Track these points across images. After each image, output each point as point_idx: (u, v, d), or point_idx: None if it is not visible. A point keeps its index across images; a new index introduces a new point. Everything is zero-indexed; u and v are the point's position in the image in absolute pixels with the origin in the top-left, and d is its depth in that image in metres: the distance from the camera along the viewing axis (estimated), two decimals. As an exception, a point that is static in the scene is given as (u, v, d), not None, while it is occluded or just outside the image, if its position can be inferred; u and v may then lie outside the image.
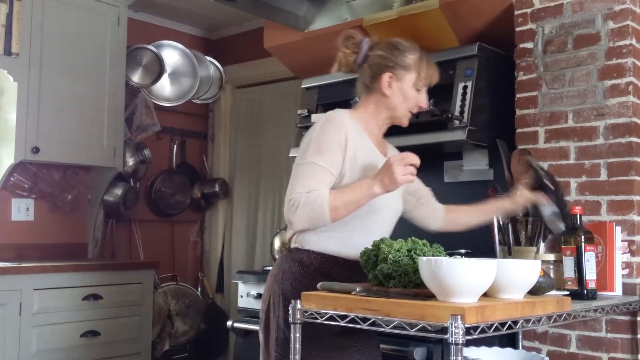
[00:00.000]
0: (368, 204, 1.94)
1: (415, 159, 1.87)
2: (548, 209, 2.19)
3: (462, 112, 2.54)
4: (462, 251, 2.44)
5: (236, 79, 4.82)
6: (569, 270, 2.12)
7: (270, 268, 2.30)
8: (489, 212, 2.25)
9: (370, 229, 2.01)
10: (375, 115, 2.09)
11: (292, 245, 2.07)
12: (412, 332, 1.56)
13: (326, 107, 3.09)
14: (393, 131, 2.73)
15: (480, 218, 2.26)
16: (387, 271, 1.83)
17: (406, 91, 2.03)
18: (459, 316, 1.44)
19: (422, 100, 2.07)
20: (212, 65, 4.67)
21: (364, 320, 1.66)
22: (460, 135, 2.53)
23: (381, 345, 2.21)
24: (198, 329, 4.47)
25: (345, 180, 1.97)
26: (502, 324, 1.61)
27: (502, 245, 2.26)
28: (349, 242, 2.00)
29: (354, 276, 1.97)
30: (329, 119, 1.99)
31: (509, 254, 2.24)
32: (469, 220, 2.27)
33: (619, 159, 2.31)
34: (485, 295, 1.67)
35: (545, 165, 2.49)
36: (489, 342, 2.12)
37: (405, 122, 2.11)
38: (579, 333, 2.33)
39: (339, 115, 2.01)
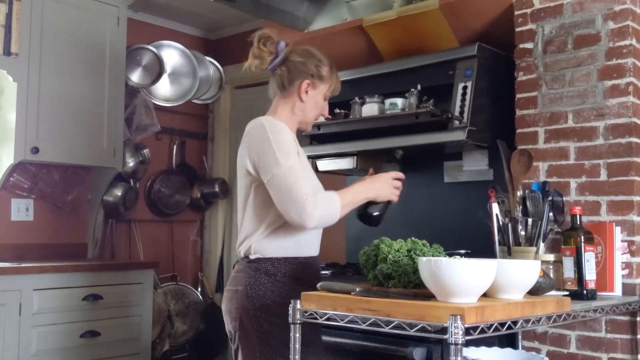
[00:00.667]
0: None
1: (402, 177, 2.15)
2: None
3: (462, 113, 2.53)
4: (462, 251, 2.44)
5: (236, 79, 4.82)
6: (568, 271, 2.13)
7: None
8: None
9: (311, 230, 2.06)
10: (291, 118, 2.17)
11: (252, 256, 2.04)
12: (411, 332, 1.56)
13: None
14: (393, 132, 2.74)
15: None
16: (387, 271, 1.84)
17: (318, 99, 2.16)
18: (459, 316, 1.44)
19: (326, 109, 2.22)
20: (211, 66, 4.67)
21: (364, 320, 1.66)
22: (460, 136, 2.53)
23: (381, 346, 2.21)
24: (198, 329, 4.48)
25: None
26: (502, 324, 1.61)
27: (501, 246, 2.26)
28: (303, 240, 2.07)
29: (315, 272, 2.10)
30: (273, 128, 2.03)
31: (508, 254, 2.24)
32: None
33: (619, 159, 2.31)
34: (485, 295, 1.67)
35: (545, 165, 2.49)
36: (488, 343, 2.12)
37: (309, 129, 2.25)
38: (579, 333, 2.33)
39: (277, 122, 2.07)
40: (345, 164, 3.02)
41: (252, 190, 2.05)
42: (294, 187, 1.93)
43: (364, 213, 2.13)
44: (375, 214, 2.14)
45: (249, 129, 2.10)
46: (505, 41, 2.65)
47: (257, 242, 2.04)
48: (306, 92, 2.13)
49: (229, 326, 2.09)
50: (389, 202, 2.15)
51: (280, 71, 2.15)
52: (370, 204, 2.13)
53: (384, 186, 2.10)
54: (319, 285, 1.87)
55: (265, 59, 2.13)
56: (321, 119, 2.68)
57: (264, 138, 2.01)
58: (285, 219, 1.96)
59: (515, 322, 1.65)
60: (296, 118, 2.17)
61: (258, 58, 2.14)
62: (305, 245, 2.09)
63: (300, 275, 2.06)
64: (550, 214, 2.29)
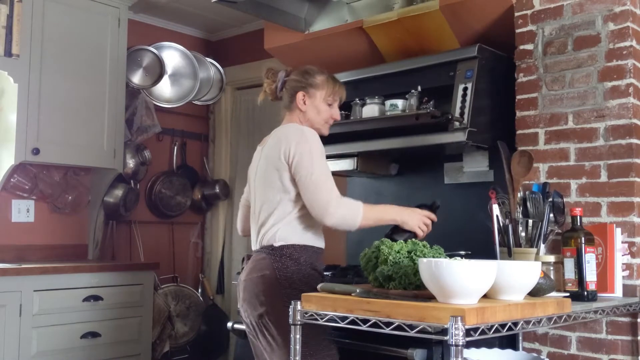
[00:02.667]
0: None
1: (434, 218, 2.35)
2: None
3: (462, 114, 2.54)
4: (462, 252, 2.44)
5: (236, 80, 4.83)
6: (569, 272, 2.13)
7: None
8: None
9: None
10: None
11: (277, 244, 2.22)
12: (412, 333, 1.56)
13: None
14: (394, 133, 2.74)
15: None
16: (388, 273, 1.84)
17: (318, 105, 2.39)
18: (459, 317, 1.44)
19: (335, 113, 2.43)
20: (212, 67, 4.67)
21: (364, 321, 1.66)
22: (460, 137, 2.53)
23: (381, 347, 2.21)
24: (198, 330, 4.47)
25: None
26: (502, 326, 1.61)
27: (502, 247, 2.26)
28: (318, 233, 2.30)
29: (322, 261, 2.31)
30: (307, 132, 2.26)
31: (509, 255, 2.24)
32: None
33: (619, 161, 2.31)
34: (485, 296, 1.67)
35: (545, 166, 2.49)
36: (489, 344, 2.12)
37: (324, 132, 2.43)
38: (579, 334, 2.33)
39: (307, 128, 2.31)
40: (346, 165, 3.02)
41: (283, 184, 2.24)
42: (323, 187, 2.17)
43: (389, 237, 2.24)
44: (397, 240, 2.22)
45: (286, 131, 2.29)
46: (506, 42, 2.65)
47: (282, 231, 2.23)
48: (304, 102, 2.38)
49: (256, 311, 2.21)
50: (415, 235, 2.27)
51: (283, 93, 2.44)
52: (397, 230, 2.29)
53: (414, 216, 2.29)
54: (319, 286, 1.87)
55: (273, 90, 2.48)
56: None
57: (304, 141, 2.22)
58: (310, 213, 2.19)
59: (515, 324, 1.65)
60: (306, 125, 2.36)
61: (267, 92, 2.50)
62: (319, 237, 2.30)
63: (315, 262, 2.27)
64: (551, 215, 2.29)
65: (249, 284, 2.25)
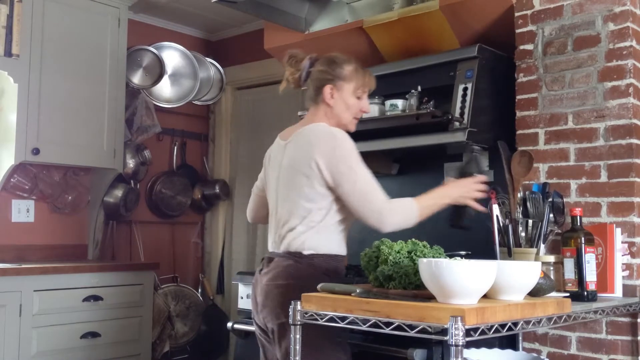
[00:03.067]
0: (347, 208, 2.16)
1: (483, 178, 2.23)
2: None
3: (462, 114, 2.54)
4: (462, 253, 2.44)
5: (237, 80, 4.83)
6: (569, 272, 2.13)
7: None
8: None
9: (349, 229, 2.25)
10: (327, 123, 2.24)
11: (306, 252, 2.14)
12: (412, 333, 1.56)
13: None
14: (394, 133, 2.74)
15: None
16: (388, 272, 1.84)
17: (347, 99, 2.24)
18: (459, 317, 1.44)
19: (365, 106, 2.29)
20: (212, 67, 4.67)
21: (364, 321, 1.66)
22: (460, 137, 2.53)
23: (381, 347, 2.21)
24: (198, 330, 4.47)
25: None
26: (502, 326, 1.61)
27: (502, 247, 2.26)
28: (343, 242, 2.23)
29: (344, 267, 2.26)
30: (340, 134, 2.16)
31: (509, 255, 2.24)
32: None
33: (619, 161, 2.31)
34: (485, 296, 1.67)
35: (545, 166, 2.49)
36: (489, 344, 2.12)
37: (351, 128, 2.30)
38: (579, 335, 2.33)
39: (339, 130, 2.19)
40: (346, 165, 3.01)
41: (314, 193, 2.13)
42: (371, 196, 2.09)
43: (457, 225, 2.27)
44: (464, 224, 2.29)
45: (317, 135, 2.17)
46: (506, 42, 2.65)
47: (311, 240, 2.15)
48: (332, 96, 2.23)
49: (279, 319, 2.12)
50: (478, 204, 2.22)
51: (308, 84, 2.28)
52: (458, 212, 2.26)
53: (465, 189, 2.20)
54: (319, 286, 1.87)
55: (297, 79, 2.31)
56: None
57: (338, 146, 2.12)
58: (365, 223, 2.11)
59: (515, 324, 1.65)
60: (331, 122, 2.24)
61: (290, 80, 2.32)
62: (343, 243, 2.23)
63: (340, 270, 2.22)
64: (551, 215, 2.29)
65: (272, 290, 2.16)
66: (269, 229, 2.32)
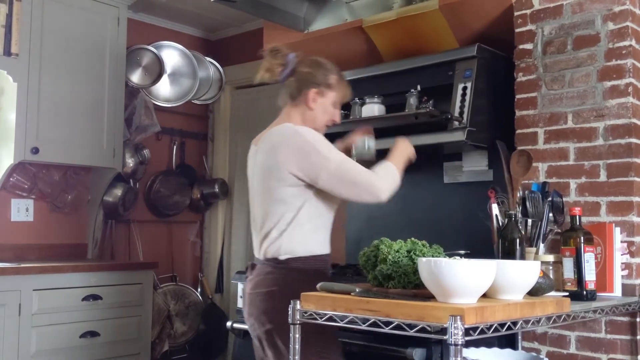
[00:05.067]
0: (334, 205, 2.21)
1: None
2: (360, 140, 2.32)
3: (461, 113, 2.54)
4: (462, 252, 2.44)
5: (236, 79, 4.82)
6: (568, 271, 2.13)
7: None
8: None
9: (331, 225, 2.25)
10: (303, 125, 2.24)
11: (282, 257, 2.14)
12: (411, 333, 1.56)
13: (326, 107, 3.09)
14: (393, 132, 2.74)
15: None
16: (387, 272, 1.84)
17: (327, 107, 2.26)
18: (459, 317, 1.44)
19: (337, 116, 2.31)
20: (211, 66, 4.67)
21: (364, 321, 1.66)
22: (459, 137, 2.53)
23: (380, 347, 2.21)
24: (197, 329, 4.47)
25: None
26: (502, 325, 1.61)
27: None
28: (324, 240, 2.21)
29: (329, 266, 2.26)
30: (306, 130, 2.16)
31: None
32: None
33: (619, 160, 2.31)
34: (484, 296, 1.67)
35: (544, 166, 2.49)
36: (488, 343, 2.12)
37: (321, 133, 2.27)
38: (579, 334, 2.33)
39: (304, 127, 2.19)
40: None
41: (285, 196, 2.13)
42: (354, 173, 2.08)
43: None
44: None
45: (282, 138, 2.16)
46: (505, 42, 2.65)
47: (287, 244, 2.14)
48: (314, 100, 2.23)
49: (264, 327, 2.14)
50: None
51: (290, 81, 2.26)
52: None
53: (409, 147, 2.31)
54: (318, 285, 1.87)
55: (275, 71, 2.26)
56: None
57: (304, 141, 2.12)
58: (363, 202, 2.13)
59: (515, 323, 1.65)
60: (307, 125, 2.23)
61: (269, 71, 2.27)
62: (325, 243, 2.22)
63: (324, 270, 2.19)
64: (550, 214, 2.29)
65: (255, 300, 2.18)
66: (253, 237, 2.32)
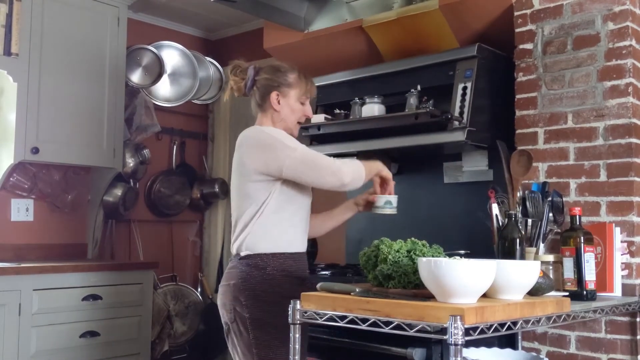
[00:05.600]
0: (302, 203, 2.26)
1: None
2: (382, 198, 2.32)
3: (461, 113, 2.54)
4: (462, 252, 2.44)
5: (236, 79, 4.82)
6: (568, 271, 2.13)
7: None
8: (337, 214, 2.48)
9: (301, 224, 2.28)
10: (275, 127, 2.32)
11: (243, 253, 2.22)
12: (411, 332, 1.56)
13: (326, 107, 3.09)
14: (393, 132, 2.74)
15: (332, 222, 2.49)
16: (387, 272, 1.84)
17: (292, 105, 2.32)
18: (459, 317, 1.44)
19: (308, 111, 2.37)
20: (211, 66, 4.67)
21: (364, 320, 1.66)
22: (459, 137, 2.53)
23: (380, 346, 2.21)
24: (197, 329, 4.47)
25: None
26: (502, 325, 1.61)
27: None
28: (291, 237, 2.25)
29: (302, 266, 2.27)
30: (270, 129, 2.26)
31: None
32: (322, 225, 2.48)
33: (619, 160, 2.31)
34: (484, 296, 1.67)
35: (544, 166, 2.49)
36: (488, 343, 2.12)
37: (295, 133, 2.37)
38: (579, 334, 2.33)
39: (266, 127, 2.29)
40: (345, 164, 3.02)
41: (249, 191, 2.21)
42: (317, 158, 2.15)
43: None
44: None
45: (245, 137, 2.26)
46: (505, 42, 2.65)
47: (249, 240, 2.21)
48: (278, 102, 2.31)
49: (224, 318, 2.27)
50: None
51: (254, 92, 2.36)
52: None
53: (383, 166, 2.33)
54: (318, 285, 1.87)
55: (240, 86, 2.37)
56: (320, 120, 2.90)
57: (268, 136, 2.20)
58: (328, 189, 2.17)
59: (515, 323, 1.65)
60: (279, 127, 2.31)
61: (236, 88, 2.38)
62: (294, 241, 2.26)
63: (288, 268, 2.22)
64: (550, 214, 2.29)
65: (220, 291, 2.29)
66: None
